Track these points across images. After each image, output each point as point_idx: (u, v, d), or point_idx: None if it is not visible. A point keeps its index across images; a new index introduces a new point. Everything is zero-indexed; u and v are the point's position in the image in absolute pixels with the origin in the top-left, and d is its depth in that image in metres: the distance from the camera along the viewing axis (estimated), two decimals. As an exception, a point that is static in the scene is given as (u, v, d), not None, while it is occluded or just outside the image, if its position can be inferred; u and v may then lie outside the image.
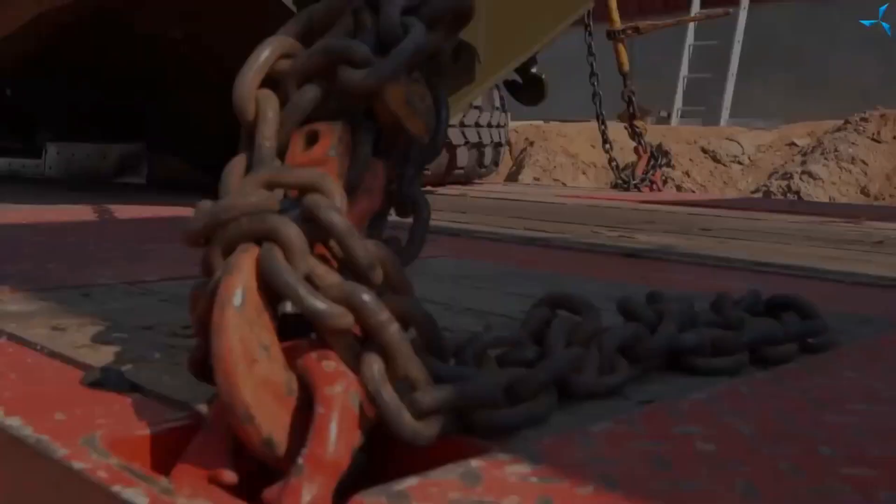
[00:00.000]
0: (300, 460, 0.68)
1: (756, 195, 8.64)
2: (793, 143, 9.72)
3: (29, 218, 2.75)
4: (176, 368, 0.99)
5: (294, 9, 3.08)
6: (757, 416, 0.86)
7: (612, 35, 5.89)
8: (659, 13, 12.32)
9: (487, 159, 5.88)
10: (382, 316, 0.73)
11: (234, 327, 0.70)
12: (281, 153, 0.87)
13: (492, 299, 1.54)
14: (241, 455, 0.73)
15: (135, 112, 4.67)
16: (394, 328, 0.73)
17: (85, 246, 2.07)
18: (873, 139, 8.83)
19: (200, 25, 3.55)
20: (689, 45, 12.52)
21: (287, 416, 0.73)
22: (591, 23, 5.53)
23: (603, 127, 5.91)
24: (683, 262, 2.21)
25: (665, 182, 8.41)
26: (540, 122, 10.84)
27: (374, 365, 0.73)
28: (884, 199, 8.47)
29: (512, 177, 10.01)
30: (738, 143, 9.94)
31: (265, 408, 0.71)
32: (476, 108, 5.43)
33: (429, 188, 5.10)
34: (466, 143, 5.52)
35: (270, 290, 0.75)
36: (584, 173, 10.27)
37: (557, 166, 10.22)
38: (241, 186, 0.79)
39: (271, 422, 0.71)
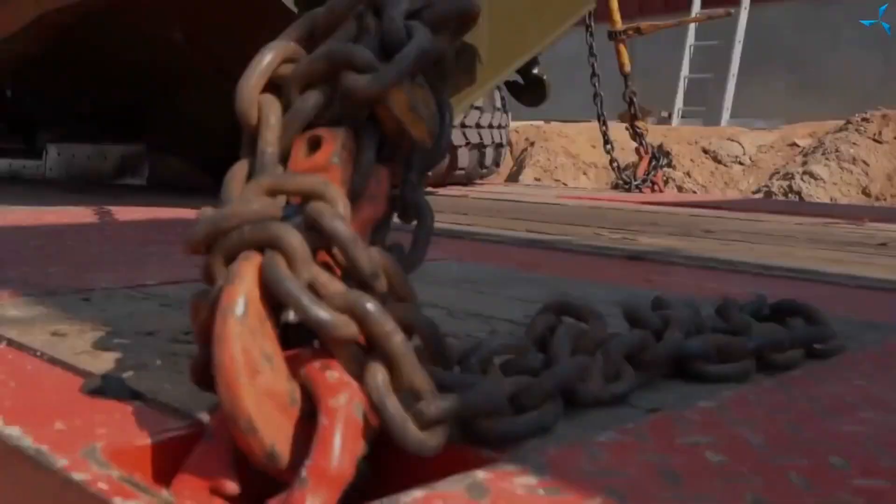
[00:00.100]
0: (304, 472, 0.67)
1: (757, 196, 8.63)
2: (794, 144, 9.71)
3: (29, 220, 2.74)
4: (177, 376, 0.98)
5: (294, 9, 3.07)
6: (766, 426, 0.85)
7: (613, 36, 5.88)
8: (659, 13, 12.32)
9: (488, 160, 5.87)
10: (387, 325, 0.72)
11: (237, 337, 0.69)
12: (283, 159, 0.86)
13: (495, 304, 1.53)
14: (244, 466, 0.72)
15: (135, 113, 4.66)
16: (398, 338, 0.72)
17: (85, 249, 2.06)
18: (874, 139, 8.82)
19: (201, 26, 3.54)
20: (690, 46, 12.51)
21: (290, 426, 0.72)
22: (593, 23, 5.53)
23: (604, 128, 5.90)
24: (687, 264, 2.20)
25: (666, 182, 8.41)
26: (540, 123, 10.83)
27: (379, 375, 0.72)
28: (885, 199, 8.46)
29: (513, 177, 10.00)
30: (739, 144, 9.94)
31: (268, 418, 0.70)
32: (477, 108, 5.43)
33: (430, 189, 5.09)
34: (467, 143, 5.51)
35: (273, 299, 0.74)
36: (584, 174, 10.27)
37: (558, 167, 10.22)
38: (243, 193, 0.78)
39: (274, 433, 0.70)
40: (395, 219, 1.02)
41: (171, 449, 0.78)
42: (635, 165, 6.43)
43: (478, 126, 5.57)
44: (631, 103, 5.88)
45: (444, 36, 0.92)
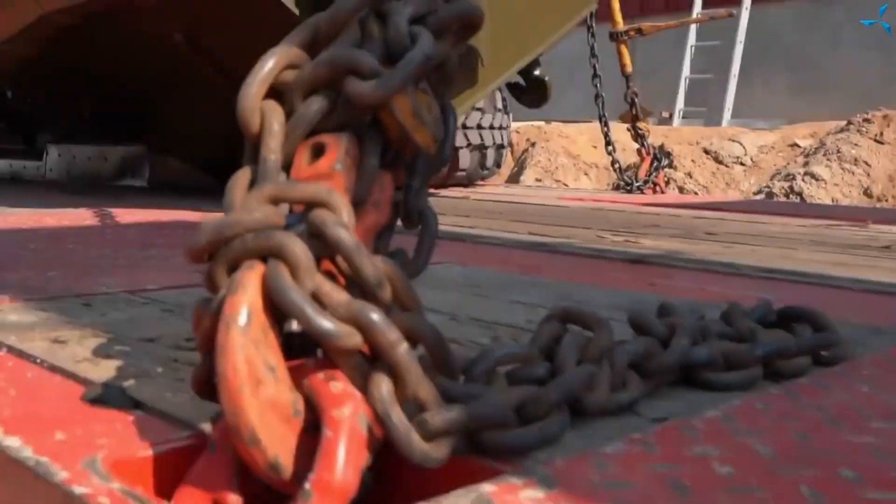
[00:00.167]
0: (307, 485, 0.66)
1: (758, 196, 8.62)
2: (795, 144, 9.70)
3: (29, 222, 2.73)
4: (179, 384, 0.97)
5: (296, 11, 3.07)
6: (774, 436, 0.84)
7: (614, 36, 5.86)
8: (661, 13, 12.31)
9: (489, 161, 5.86)
10: (391, 335, 0.71)
11: (240, 348, 0.68)
12: (286, 166, 0.85)
13: (498, 308, 1.52)
14: (247, 477, 0.71)
15: (136, 114, 4.66)
16: (403, 348, 0.72)
17: (86, 252, 2.05)
18: (876, 140, 8.81)
19: (201, 28, 3.53)
20: (691, 46, 12.51)
21: (293, 438, 0.71)
22: (594, 24, 5.51)
23: (606, 129, 5.88)
24: (690, 268, 2.19)
25: (667, 183, 8.39)
26: (541, 123, 10.82)
27: (383, 385, 0.71)
28: (886, 200, 8.45)
29: (513, 178, 9.99)
30: (741, 144, 9.93)
31: (271, 430, 0.69)
32: (478, 110, 5.42)
33: (431, 190, 5.07)
34: (468, 144, 5.50)
35: (276, 309, 0.73)
36: (585, 174, 10.26)
37: (559, 167, 10.20)
38: (246, 201, 0.77)
39: (278, 444, 0.69)
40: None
41: (173, 460, 0.77)
42: (637, 167, 6.41)
43: (479, 127, 5.56)
44: (632, 104, 5.87)
45: (448, 41, 0.91)
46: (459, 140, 5.36)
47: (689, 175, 9.71)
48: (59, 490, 0.70)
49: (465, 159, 5.54)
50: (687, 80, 12.62)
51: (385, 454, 0.74)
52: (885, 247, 2.83)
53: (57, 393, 0.95)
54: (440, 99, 0.95)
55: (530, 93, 4.44)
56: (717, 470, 0.74)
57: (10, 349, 1.12)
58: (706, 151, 9.97)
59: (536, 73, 4.33)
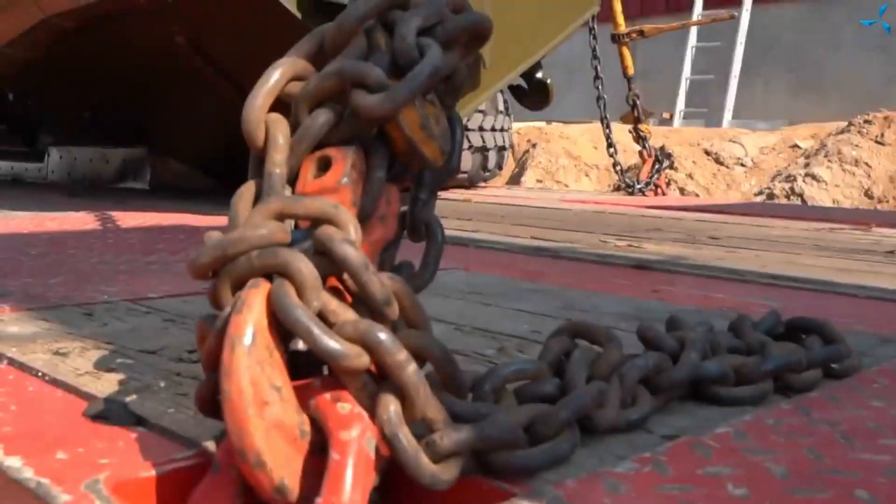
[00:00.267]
0: (314, 509, 0.65)
1: (759, 197, 8.61)
2: (796, 146, 9.69)
3: (30, 226, 2.72)
4: (181, 399, 0.96)
5: (297, 13, 3.05)
6: (787, 454, 0.83)
7: (616, 38, 5.85)
8: (661, 14, 12.31)
9: (491, 163, 5.85)
10: (400, 356, 0.70)
11: (245, 369, 0.67)
12: (291, 179, 0.84)
13: (502, 317, 1.51)
14: (252, 499, 0.70)
15: (137, 116, 4.65)
16: (411, 368, 0.70)
17: (87, 258, 2.04)
18: (877, 141, 8.80)
19: (202, 30, 3.52)
20: (692, 47, 12.49)
21: (300, 460, 0.70)
22: (596, 26, 5.50)
23: (607, 131, 5.87)
24: (693, 274, 2.17)
25: (668, 184, 8.38)
26: (542, 124, 10.80)
27: (391, 406, 0.70)
28: (887, 201, 8.44)
29: (514, 179, 9.98)
30: (741, 145, 9.91)
31: (277, 452, 0.68)
32: (480, 112, 5.41)
33: (432, 193, 5.06)
34: (470, 147, 5.49)
35: (282, 327, 0.71)
36: (586, 175, 10.24)
37: (560, 168, 10.19)
38: (251, 217, 0.75)
39: (284, 466, 0.68)
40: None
41: (176, 481, 0.76)
42: (638, 168, 6.40)
43: (480, 129, 5.55)
44: (634, 106, 5.85)
45: (457, 52, 0.89)
46: (461, 142, 5.35)
47: (690, 176, 9.70)
48: (60, 513, 0.68)
49: (467, 161, 5.53)
50: (687, 81, 12.60)
51: (393, 474, 0.73)
52: (889, 252, 2.82)
53: (58, 408, 0.94)
54: (448, 110, 0.94)
55: (532, 95, 4.43)
56: (731, 492, 0.73)
57: (11, 362, 1.10)
58: (707, 153, 9.96)
59: (539, 75, 4.32)
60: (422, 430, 0.72)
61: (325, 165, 0.83)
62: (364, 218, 0.84)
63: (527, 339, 1.33)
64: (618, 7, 5.77)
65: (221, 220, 2.53)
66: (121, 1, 2.99)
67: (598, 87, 5.64)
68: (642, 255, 2.52)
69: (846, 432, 0.91)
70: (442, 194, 5.13)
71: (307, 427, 0.71)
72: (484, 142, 5.60)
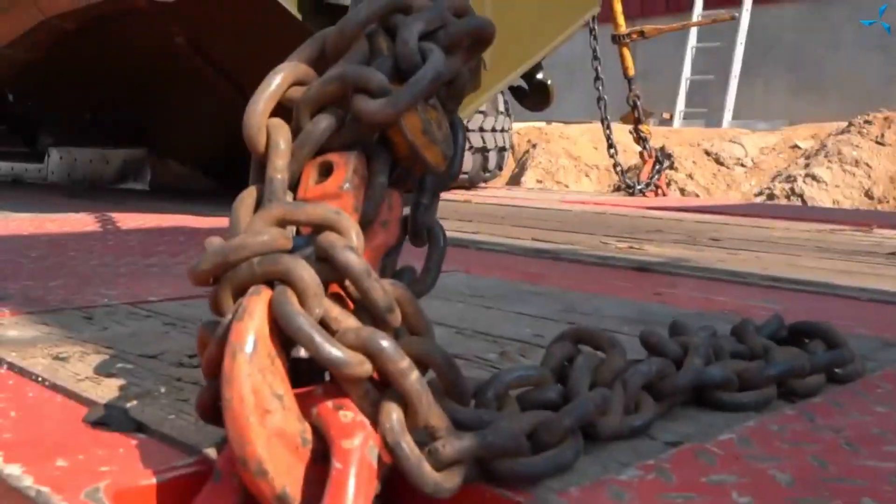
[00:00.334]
0: (317, 518, 0.64)
1: (759, 198, 8.60)
2: (796, 146, 9.69)
3: (30, 228, 2.72)
4: (182, 405, 0.95)
5: (297, 14, 3.05)
6: (792, 461, 0.82)
7: (617, 39, 5.84)
8: (661, 14, 12.31)
9: (492, 164, 5.85)
10: (402, 364, 0.69)
11: (246, 377, 0.67)
12: (293, 185, 0.84)
13: (503, 321, 1.50)
14: (253, 507, 0.70)
15: (137, 117, 4.64)
16: (414, 376, 0.70)
17: (87, 261, 2.03)
18: (877, 142, 8.79)
19: (202, 30, 3.52)
20: (692, 47, 12.49)
21: (301, 468, 0.70)
22: (596, 27, 5.49)
23: (608, 131, 5.86)
24: (695, 276, 2.17)
25: (668, 185, 8.38)
26: (542, 124, 10.80)
27: (394, 414, 0.70)
28: (888, 201, 8.44)
29: (514, 179, 9.97)
30: (741, 146, 9.91)
31: (279, 460, 0.67)
32: (480, 112, 5.40)
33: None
34: (470, 147, 5.48)
35: (283, 334, 0.71)
36: (587, 175, 10.24)
37: (560, 168, 10.19)
38: (252, 223, 0.75)
39: (285, 475, 0.68)
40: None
41: (177, 488, 0.75)
42: (638, 168, 6.40)
43: (481, 130, 5.54)
44: (634, 107, 5.85)
45: (459, 57, 0.89)
46: (461, 143, 5.35)
47: (690, 177, 9.70)
48: (60, 522, 0.68)
49: (468, 162, 5.52)
50: (688, 82, 12.60)
51: (395, 482, 0.73)
52: (891, 253, 2.81)
53: (58, 414, 0.93)
54: (450, 114, 0.93)
55: (533, 96, 4.42)
56: (735, 500, 0.73)
57: (11, 366, 1.10)
58: (707, 153, 9.95)
59: (539, 76, 4.31)
60: (424, 437, 0.72)
61: (326, 171, 0.83)
62: (366, 223, 0.83)
63: (529, 343, 1.33)
64: (618, 8, 5.76)
65: (221, 222, 2.54)
66: (121, 2, 2.98)
67: (598, 88, 5.63)
68: (643, 256, 2.52)
69: (851, 439, 0.90)
70: (442, 195, 5.12)
71: (309, 435, 0.71)
72: (484, 142, 5.60)
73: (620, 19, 5.79)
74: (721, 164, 9.80)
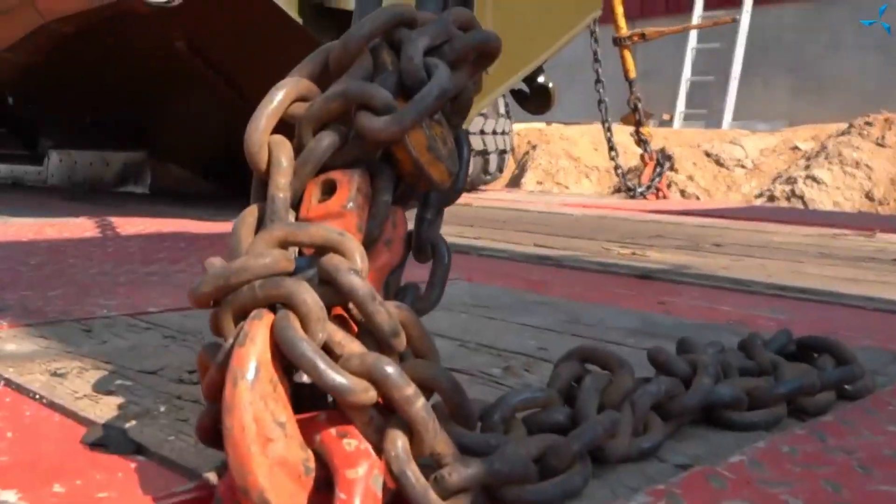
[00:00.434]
0: (320, 551, 0.63)
1: (759, 199, 8.59)
2: (796, 147, 9.67)
3: (30, 234, 2.70)
4: (182, 425, 0.93)
5: (298, 18, 3.03)
6: (804, 485, 0.80)
7: (618, 42, 5.83)
8: (661, 15, 12.29)
9: (492, 166, 5.83)
10: (408, 391, 0.67)
11: (248, 405, 0.65)
12: (295, 203, 0.82)
13: (506, 333, 1.48)
14: (255, 537, 0.68)
15: (137, 120, 4.63)
16: (419, 403, 0.68)
17: (86, 269, 2.01)
18: (877, 143, 8.78)
19: (202, 34, 3.50)
20: (692, 48, 12.47)
21: (304, 496, 0.68)
22: (597, 29, 5.48)
23: (609, 134, 5.85)
24: (698, 284, 2.15)
25: (669, 186, 8.36)
26: (542, 125, 10.78)
27: (399, 441, 0.68)
28: (888, 203, 8.42)
29: (515, 180, 9.95)
30: (741, 147, 9.89)
31: (281, 489, 0.66)
32: (481, 115, 5.38)
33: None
34: (471, 150, 5.46)
35: (286, 359, 0.69)
36: (587, 177, 10.22)
37: (560, 170, 10.17)
38: (254, 245, 0.73)
39: (288, 505, 0.66)
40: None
41: (177, 515, 0.74)
42: (639, 171, 6.38)
43: (482, 132, 5.53)
44: (635, 109, 5.83)
45: (465, 72, 0.87)
46: (462, 146, 5.33)
47: (691, 178, 9.68)
48: (57, 553, 0.66)
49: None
50: (688, 83, 12.58)
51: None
52: (895, 260, 2.80)
53: (56, 434, 0.91)
54: (455, 129, 0.92)
55: (534, 99, 4.41)
56: (748, 529, 0.71)
57: (9, 383, 1.08)
58: (707, 154, 9.93)
59: (540, 79, 4.29)
60: (430, 464, 0.70)
61: (329, 189, 0.81)
62: (370, 243, 0.81)
63: (533, 357, 1.31)
64: (619, 10, 5.75)
65: (221, 227, 2.52)
66: (121, 6, 2.96)
67: (599, 91, 5.61)
68: (646, 263, 2.50)
69: (863, 461, 0.89)
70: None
71: (312, 463, 0.69)
72: (485, 145, 5.58)
73: (622, 21, 5.78)
74: (721, 165, 9.78)
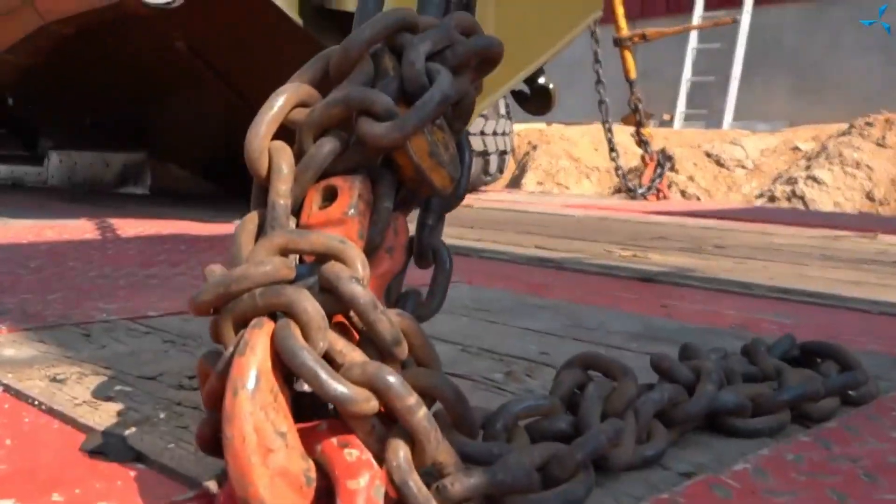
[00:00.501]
0: (321, 563, 0.62)
1: (760, 200, 8.58)
2: (796, 148, 9.66)
3: (29, 236, 2.69)
4: (182, 432, 0.93)
5: (298, 20, 3.02)
6: (809, 494, 0.80)
7: (618, 42, 5.83)
8: (661, 15, 12.28)
9: (493, 167, 5.82)
10: (409, 400, 0.67)
11: (248, 415, 0.64)
12: (296, 209, 0.81)
13: (508, 337, 1.48)
14: (255, 548, 0.67)
15: (137, 121, 4.62)
16: (422, 413, 0.67)
17: (86, 272, 2.01)
18: (878, 144, 8.77)
19: (203, 35, 3.49)
20: (693, 49, 12.47)
21: (305, 507, 0.67)
22: (598, 29, 5.47)
23: (609, 135, 5.84)
24: (701, 287, 2.14)
25: (669, 186, 8.36)
26: (542, 126, 10.78)
27: (401, 452, 0.67)
28: (889, 204, 8.41)
29: (515, 181, 9.95)
30: (742, 147, 9.89)
31: (282, 501, 0.65)
32: (482, 116, 5.37)
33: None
34: (472, 155, 5.45)
35: (287, 368, 0.69)
36: (587, 177, 10.21)
37: (561, 170, 10.16)
38: (254, 252, 0.73)
39: (288, 516, 0.65)
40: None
41: (177, 526, 0.73)
42: (639, 171, 6.38)
43: (482, 133, 5.52)
44: (636, 110, 5.83)
45: (467, 77, 0.86)
46: (463, 147, 5.32)
47: (691, 179, 9.68)
48: (56, 564, 0.65)
49: (468, 166, 5.49)
50: (688, 83, 12.58)
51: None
52: (897, 262, 2.79)
53: (55, 442, 0.91)
54: (456, 134, 0.91)
55: (534, 100, 4.40)
56: (753, 540, 0.70)
57: (8, 388, 1.07)
58: (708, 155, 9.93)
59: (541, 80, 4.28)
60: (433, 474, 0.70)
61: (330, 195, 0.80)
62: (371, 250, 0.81)
63: (535, 362, 1.30)
64: (620, 10, 5.74)
65: (221, 229, 2.52)
66: (120, 7, 2.96)
67: (600, 92, 5.61)
68: (648, 266, 2.49)
69: (869, 468, 0.88)
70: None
71: (313, 473, 0.68)
72: (485, 146, 5.57)
73: (622, 22, 5.77)
74: (722, 165, 9.77)
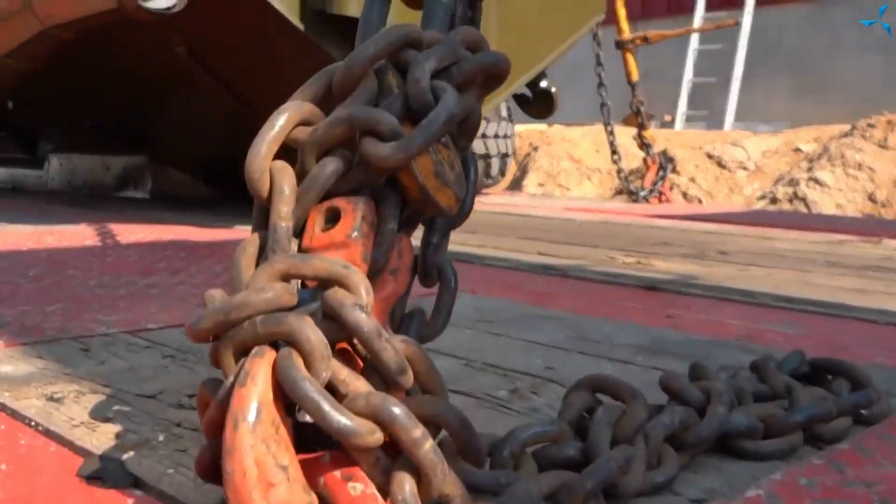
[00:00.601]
0: None
1: (762, 201, 8.56)
2: (798, 149, 9.64)
3: (29, 242, 2.67)
4: (181, 456, 0.91)
5: (300, 25, 3.01)
6: (824, 524, 0.78)
7: (620, 45, 5.81)
8: (662, 16, 12.26)
9: (494, 170, 5.81)
10: (415, 432, 0.65)
11: (249, 448, 0.62)
12: (298, 231, 0.79)
13: (512, 350, 1.46)
14: (256, 583, 0.65)
15: (137, 124, 4.61)
16: (428, 445, 0.65)
17: (85, 282, 1.99)
18: (880, 145, 8.75)
19: (203, 40, 3.48)
20: (694, 50, 12.45)
21: (308, 543, 0.65)
22: (600, 31, 5.45)
23: (611, 137, 5.83)
24: (706, 296, 2.12)
25: (671, 188, 8.34)
26: (543, 127, 10.76)
27: (406, 485, 0.65)
28: (891, 205, 8.39)
29: (516, 182, 9.93)
30: (743, 149, 9.87)
31: (284, 536, 0.63)
32: (483, 119, 5.36)
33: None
34: (478, 172, 5.44)
35: (288, 398, 0.67)
36: (588, 179, 10.19)
37: (562, 171, 10.14)
38: (255, 278, 0.71)
39: (290, 552, 0.63)
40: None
41: (176, 559, 0.71)
42: (640, 173, 6.36)
43: (483, 136, 5.51)
44: (638, 113, 5.81)
45: (473, 94, 0.84)
46: (464, 150, 5.31)
47: (693, 180, 9.65)
48: None
49: (470, 169, 5.48)
50: (689, 84, 12.56)
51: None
52: (903, 268, 2.77)
53: (51, 466, 0.89)
54: (462, 152, 0.89)
55: (536, 104, 4.38)
56: (769, 574, 0.68)
57: (4, 408, 1.06)
58: (709, 156, 9.91)
59: (543, 84, 4.27)
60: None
61: (333, 217, 0.78)
62: (375, 273, 0.79)
63: (541, 378, 1.28)
64: (622, 13, 5.72)
65: (221, 234, 2.49)
66: (120, 12, 2.94)
67: (601, 94, 5.59)
68: (652, 273, 2.47)
69: (884, 493, 0.86)
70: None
71: (316, 507, 0.66)
72: (487, 149, 5.56)
73: (624, 25, 5.75)
74: (723, 167, 9.75)
